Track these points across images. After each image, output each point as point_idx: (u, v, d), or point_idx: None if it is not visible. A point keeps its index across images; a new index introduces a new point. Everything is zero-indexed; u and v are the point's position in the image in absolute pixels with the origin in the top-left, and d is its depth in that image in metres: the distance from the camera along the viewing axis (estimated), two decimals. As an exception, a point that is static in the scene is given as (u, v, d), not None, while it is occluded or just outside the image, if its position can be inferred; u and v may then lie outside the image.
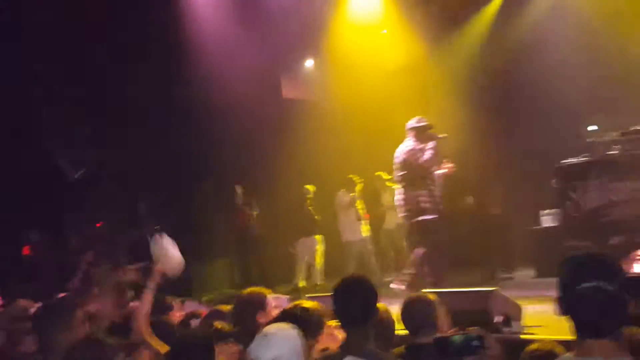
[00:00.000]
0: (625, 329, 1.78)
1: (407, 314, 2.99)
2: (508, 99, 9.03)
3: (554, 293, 1.82)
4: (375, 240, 8.85)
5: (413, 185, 6.17)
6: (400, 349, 2.89)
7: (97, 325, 3.37)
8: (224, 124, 9.03)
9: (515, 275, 7.17)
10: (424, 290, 4.24)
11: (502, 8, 9.35)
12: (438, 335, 2.18)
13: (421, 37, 9.21)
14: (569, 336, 1.82)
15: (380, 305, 2.71)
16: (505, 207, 7.44)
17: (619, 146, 6.56)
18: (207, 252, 9.07)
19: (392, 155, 6.50)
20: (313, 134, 9.36)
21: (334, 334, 2.80)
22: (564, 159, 6.88)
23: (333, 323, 2.78)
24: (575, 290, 1.73)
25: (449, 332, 2.56)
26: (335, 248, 8.83)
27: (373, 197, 8.93)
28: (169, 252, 3.70)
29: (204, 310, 4.16)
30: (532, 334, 3.98)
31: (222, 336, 2.89)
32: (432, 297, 3.08)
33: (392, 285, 6.24)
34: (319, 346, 2.77)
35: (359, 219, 8.61)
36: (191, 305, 5.14)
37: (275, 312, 3.14)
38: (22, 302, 3.70)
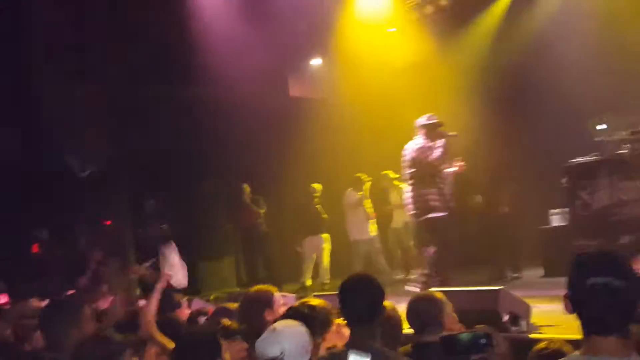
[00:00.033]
0: (634, 327, 1.77)
1: (413, 312, 2.98)
2: (517, 97, 8.98)
3: (562, 292, 1.81)
4: (382, 239, 8.84)
5: (422, 183, 6.14)
6: (407, 347, 2.88)
7: (107, 323, 3.38)
8: (231, 122, 9.04)
9: (524, 275, 7.13)
10: (431, 289, 4.24)
11: (511, 6, 9.29)
12: (445, 333, 2.17)
13: (430, 35, 9.17)
14: (577, 335, 1.81)
15: (387, 303, 2.71)
16: (514, 206, 7.40)
17: (628, 145, 6.51)
18: (213, 250, 9.09)
19: (400, 154, 6.48)
20: (320, 133, 9.35)
21: (341, 332, 2.80)
22: (573, 158, 6.84)
23: (341, 321, 2.78)
24: (584, 285, 1.72)
25: (456, 330, 2.56)
26: (342, 247, 8.82)
27: (380, 196, 8.92)
28: (174, 267, 3.72)
29: (211, 308, 4.17)
30: (540, 333, 3.96)
31: (229, 334, 2.90)
32: (439, 295, 3.07)
33: (407, 288, 6.20)
34: (326, 344, 2.77)
35: (368, 218, 8.60)
36: (198, 304, 5.15)
37: (282, 310, 3.15)
38: (34, 302, 3.73)
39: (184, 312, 4.23)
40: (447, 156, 6.22)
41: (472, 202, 7.36)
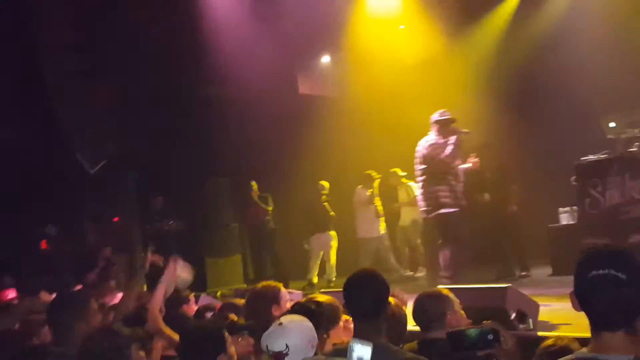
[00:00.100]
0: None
1: (420, 309, 2.98)
2: (527, 95, 8.94)
3: (570, 290, 1.80)
4: (390, 237, 8.83)
5: (433, 180, 6.13)
6: (413, 344, 2.88)
7: (115, 317, 3.40)
8: (241, 120, 9.06)
9: (532, 273, 7.10)
10: (439, 286, 4.23)
11: (521, 3, 9.25)
12: (452, 329, 2.16)
13: (440, 32, 9.13)
14: (586, 333, 1.79)
15: (392, 299, 2.70)
16: (522, 205, 7.37)
17: (639, 143, 6.46)
18: (221, 247, 9.11)
19: (410, 151, 6.46)
20: (330, 130, 9.34)
21: (349, 327, 2.80)
22: (583, 156, 6.79)
23: (349, 317, 2.78)
24: (586, 279, 1.71)
25: (462, 326, 2.55)
26: (350, 244, 8.82)
27: (389, 194, 8.91)
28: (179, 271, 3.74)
29: (218, 304, 4.18)
30: (548, 330, 3.94)
31: (236, 329, 2.91)
32: (446, 292, 3.06)
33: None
34: (333, 340, 2.77)
35: (378, 216, 8.59)
36: (206, 300, 5.17)
37: (289, 306, 3.15)
38: (44, 296, 3.75)
39: (192, 308, 4.25)
40: (459, 153, 6.20)
41: (481, 200, 7.33)
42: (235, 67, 8.56)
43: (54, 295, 3.80)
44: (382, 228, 8.65)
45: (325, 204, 8.83)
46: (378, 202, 8.62)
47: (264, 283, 3.53)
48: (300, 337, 2.31)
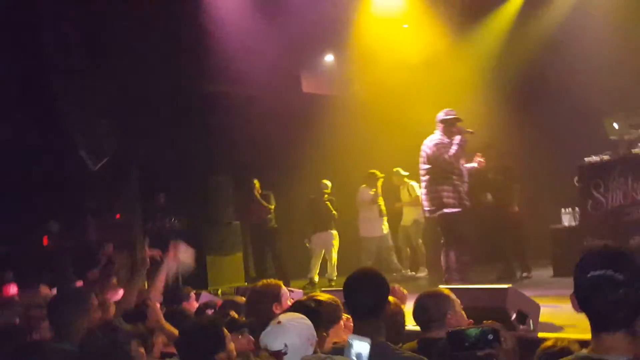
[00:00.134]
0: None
1: (420, 308, 2.97)
2: (530, 95, 8.94)
3: (571, 292, 1.79)
4: (392, 237, 8.82)
5: (437, 180, 6.13)
6: (413, 343, 2.87)
7: (116, 313, 3.41)
8: (243, 118, 9.05)
9: (533, 274, 7.09)
10: (441, 286, 4.22)
11: (525, 3, 9.23)
12: (452, 328, 2.15)
13: (444, 32, 9.13)
14: (586, 335, 1.79)
15: (391, 298, 2.70)
16: (525, 205, 7.36)
17: (642, 144, 6.45)
18: (223, 245, 9.11)
19: (413, 150, 6.46)
20: (333, 129, 9.34)
21: (350, 326, 2.79)
22: (586, 157, 6.78)
23: (350, 316, 2.78)
24: (585, 279, 1.71)
25: (462, 326, 2.55)
26: (351, 244, 8.81)
27: (391, 193, 8.90)
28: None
29: (219, 301, 4.19)
30: (548, 332, 3.94)
31: (236, 326, 2.91)
32: (446, 292, 3.06)
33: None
34: (333, 338, 2.77)
35: (381, 215, 8.58)
36: (206, 297, 5.18)
37: (289, 304, 3.15)
38: (43, 290, 3.76)
39: (192, 305, 4.25)
40: (463, 153, 6.19)
41: (483, 200, 7.32)
42: (239, 64, 8.56)
43: (53, 290, 3.81)
44: (385, 227, 8.64)
45: (328, 202, 8.83)
46: (381, 202, 8.62)
47: (265, 281, 3.53)
48: (299, 336, 2.31)
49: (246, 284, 8.37)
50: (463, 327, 2.09)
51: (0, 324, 3.49)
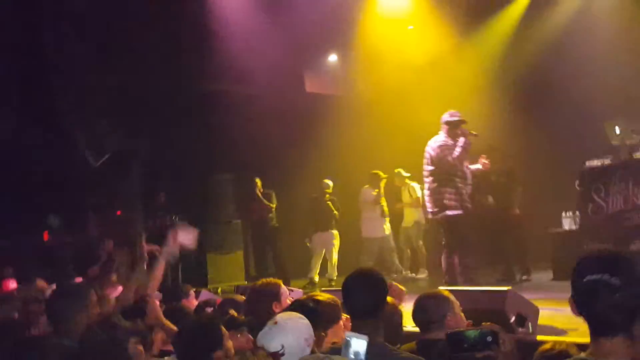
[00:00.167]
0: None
1: (420, 310, 2.98)
2: (533, 98, 8.94)
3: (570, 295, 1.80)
4: (394, 238, 8.82)
5: (441, 181, 6.13)
6: (412, 344, 2.88)
7: (115, 310, 3.41)
8: (246, 116, 9.03)
9: (533, 277, 7.10)
10: (440, 287, 4.23)
11: (530, 5, 9.24)
12: (451, 330, 2.16)
13: (448, 33, 9.13)
14: (585, 339, 1.79)
15: (389, 298, 2.70)
16: (525, 208, 7.36)
17: (643, 150, 6.46)
18: (223, 243, 9.11)
19: (415, 151, 6.47)
20: (336, 129, 9.34)
21: (349, 327, 2.79)
22: (588, 161, 6.79)
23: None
24: (581, 284, 1.71)
25: (461, 327, 2.55)
26: (353, 244, 8.81)
27: (393, 194, 8.90)
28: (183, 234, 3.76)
29: (218, 299, 4.19)
30: (547, 335, 3.94)
31: (235, 325, 2.91)
32: (446, 293, 3.06)
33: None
34: (333, 338, 2.77)
35: (384, 216, 8.58)
36: (206, 295, 5.18)
37: (289, 303, 3.15)
38: (40, 283, 3.76)
39: (192, 303, 4.26)
40: (466, 155, 6.19)
41: (485, 203, 7.32)
42: (242, 63, 8.56)
43: (50, 283, 3.81)
44: (387, 228, 8.64)
45: (329, 202, 8.83)
46: (384, 202, 8.62)
47: (265, 280, 3.54)
48: (296, 336, 2.31)
49: (246, 282, 8.38)
50: (462, 329, 2.10)
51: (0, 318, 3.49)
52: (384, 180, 8.63)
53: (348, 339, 2.13)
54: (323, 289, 5.78)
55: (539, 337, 3.87)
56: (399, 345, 2.82)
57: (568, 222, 7.18)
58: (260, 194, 8.99)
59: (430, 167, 6.21)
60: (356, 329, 2.50)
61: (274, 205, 9.04)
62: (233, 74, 8.87)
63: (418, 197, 8.59)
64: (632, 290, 1.66)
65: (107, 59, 8.15)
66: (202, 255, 8.70)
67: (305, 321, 2.41)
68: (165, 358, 2.65)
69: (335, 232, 8.81)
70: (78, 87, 8.26)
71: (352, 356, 2.11)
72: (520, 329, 3.98)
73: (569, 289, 1.82)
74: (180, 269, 8.25)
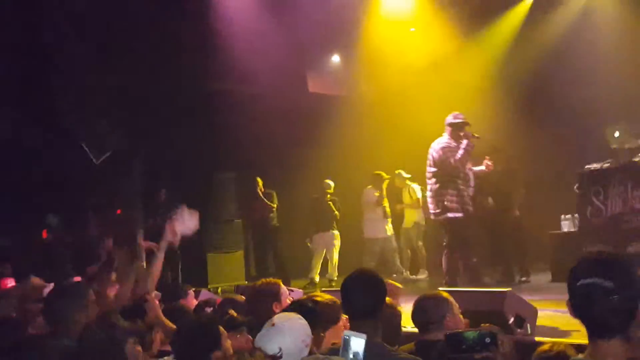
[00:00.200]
0: (638, 332, 1.75)
1: (419, 310, 2.99)
2: (534, 101, 8.95)
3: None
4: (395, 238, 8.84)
5: (443, 183, 6.15)
6: (410, 345, 2.88)
7: (114, 308, 3.41)
8: (249, 115, 9.01)
9: (532, 279, 7.11)
10: (440, 288, 4.24)
11: (532, 9, 9.26)
12: (450, 331, 2.17)
13: (451, 35, 9.15)
14: (583, 340, 1.80)
15: (387, 299, 2.71)
16: (525, 210, 7.38)
17: (643, 154, 6.47)
18: (224, 243, 9.11)
19: (417, 153, 6.49)
20: (339, 129, 9.34)
21: (349, 328, 2.79)
22: (588, 164, 6.81)
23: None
24: (575, 287, 1.73)
25: (460, 328, 2.56)
26: (354, 244, 8.81)
27: (394, 195, 8.90)
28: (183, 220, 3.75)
29: (218, 299, 4.19)
30: (546, 336, 3.95)
31: (235, 325, 2.91)
32: (445, 295, 3.07)
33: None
34: (332, 339, 2.78)
35: (386, 217, 8.59)
36: (206, 295, 5.18)
37: (289, 303, 3.15)
38: (35, 280, 3.75)
39: (191, 302, 4.26)
40: (469, 158, 6.20)
41: (485, 204, 7.33)
42: (246, 62, 8.55)
43: (48, 282, 3.80)
44: (389, 229, 8.64)
45: (330, 202, 8.84)
46: (386, 203, 8.63)
47: (265, 280, 3.55)
48: (294, 338, 2.30)
49: (247, 282, 8.38)
50: (461, 330, 2.11)
51: (-2, 316, 3.49)
52: (387, 182, 8.63)
53: (347, 337, 2.13)
54: (323, 289, 5.78)
55: (538, 338, 3.88)
56: (397, 346, 2.82)
57: (567, 225, 7.20)
58: (261, 194, 8.98)
59: (433, 169, 6.23)
60: (355, 329, 2.50)
61: (275, 205, 9.03)
62: (236, 74, 8.86)
63: (418, 199, 8.60)
64: (627, 293, 1.67)
65: (108, 58, 8.14)
66: (202, 254, 8.70)
67: (304, 322, 2.41)
68: (164, 358, 2.65)
69: (336, 232, 8.81)
70: (78, 87, 8.26)
71: (351, 355, 2.12)
72: (518, 330, 3.99)
73: (567, 291, 1.83)
74: (180, 268, 8.26)
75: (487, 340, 1.98)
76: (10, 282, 5.55)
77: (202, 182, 9.35)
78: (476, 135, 6.21)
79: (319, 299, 2.89)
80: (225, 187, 9.40)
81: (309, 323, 2.45)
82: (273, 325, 2.34)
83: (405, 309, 3.38)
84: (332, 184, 8.94)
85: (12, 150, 7.85)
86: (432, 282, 7.77)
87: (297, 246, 9.14)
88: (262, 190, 9.00)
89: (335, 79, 10.59)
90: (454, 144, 6.15)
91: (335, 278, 8.52)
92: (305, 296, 3.18)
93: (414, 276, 8.72)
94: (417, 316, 3.00)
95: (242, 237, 9.31)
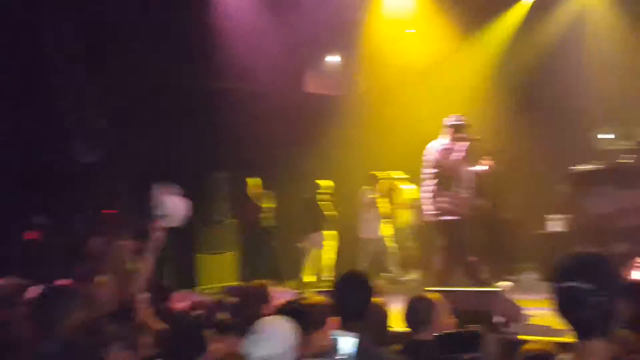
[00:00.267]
0: (621, 332, 1.78)
1: (409, 311, 3.01)
2: (526, 103, 9.01)
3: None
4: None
5: (440, 185, 6.13)
6: (400, 345, 2.90)
7: (101, 312, 3.39)
8: (245, 115, 8.94)
9: (521, 278, 7.16)
10: (428, 288, 4.26)
11: (529, 13, 9.34)
12: (439, 332, 2.19)
13: (451, 36, 9.20)
14: (569, 339, 1.82)
15: (376, 300, 2.73)
16: (517, 211, 7.43)
17: (632, 155, 6.54)
18: (215, 243, 9.06)
19: (411, 153, 6.48)
20: (334, 129, 9.31)
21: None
22: (575, 165, 6.88)
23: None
24: (555, 290, 1.74)
25: (449, 329, 2.58)
26: (348, 244, 8.81)
27: (387, 195, 8.91)
28: (169, 208, 3.66)
29: (208, 302, 4.19)
30: (531, 335, 3.98)
31: (223, 328, 2.91)
32: (434, 295, 3.09)
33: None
34: (322, 341, 2.78)
35: (381, 218, 8.61)
36: (196, 297, 5.17)
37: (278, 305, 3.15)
38: (12, 281, 3.69)
39: (181, 305, 4.25)
40: (466, 160, 6.19)
41: (477, 204, 7.36)
42: (244, 61, 8.51)
43: (36, 284, 3.75)
44: (384, 229, 8.65)
45: (322, 203, 8.84)
46: (381, 203, 8.65)
47: (254, 282, 3.55)
48: (281, 343, 2.29)
49: (237, 283, 8.35)
50: (450, 331, 2.13)
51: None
52: (382, 182, 8.65)
53: (337, 338, 2.14)
54: (315, 290, 5.79)
55: (524, 337, 3.91)
56: (387, 347, 2.84)
57: (554, 225, 7.24)
58: (252, 194, 8.91)
59: (430, 170, 6.21)
60: (346, 330, 2.52)
61: (273, 205, 8.94)
62: (233, 73, 8.80)
63: (410, 199, 8.63)
64: (608, 294, 1.68)
65: (106, 55, 8.05)
66: (192, 255, 8.66)
67: (290, 326, 2.40)
68: (150, 361, 2.64)
69: (328, 232, 8.82)
70: (70, 86, 8.18)
71: (341, 355, 2.13)
72: (505, 329, 4.02)
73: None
74: (169, 270, 8.21)
75: (475, 340, 2.01)
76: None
77: (194, 182, 9.27)
78: (476, 137, 6.20)
79: (307, 300, 2.90)
80: (218, 186, 9.35)
81: (297, 325, 2.45)
82: (259, 332, 2.34)
83: (395, 310, 3.39)
84: (323, 184, 8.94)
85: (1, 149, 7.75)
86: (423, 282, 7.78)
87: (292, 246, 9.11)
88: (260, 190, 8.91)
89: (333, 79, 10.58)
90: (452, 145, 6.14)
91: (326, 278, 8.52)
92: (295, 297, 3.19)
93: (404, 276, 8.74)
94: (406, 316, 3.03)
95: (235, 237, 9.26)
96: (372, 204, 8.52)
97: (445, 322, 2.94)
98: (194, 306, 3.99)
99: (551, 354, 2.14)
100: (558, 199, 7.08)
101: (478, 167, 6.38)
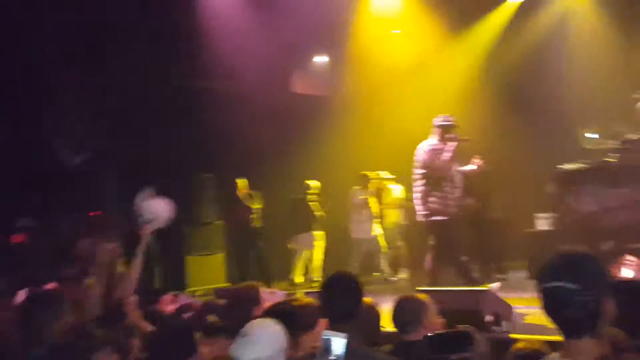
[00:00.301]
0: (609, 331, 1.79)
1: (398, 311, 3.01)
2: (513, 103, 9.07)
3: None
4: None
5: (428, 185, 6.15)
6: (389, 346, 2.90)
7: (88, 315, 3.36)
8: (229, 115, 8.92)
9: (511, 276, 7.20)
10: (417, 288, 4.27)
11: (513, 16, 9.41)
12: (428, 332, 2.19)
13: (437, 37, 9.23)
14: (558, 337, 1.83)
15: (366, 299, 2.73)
16: (505, 211, 7.47)
17: (617, 154, 6.60)
18: (203, 245, 9.03)
19: (400, 153, 6.50)
20: (322, 129, 9.32)
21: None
22: (561, 164, 6.93)
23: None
24: (540, 290, 1.75)
25: (438, 329, 2.59)
26: (339, 245, 8.81)
27: (376, 195, 8.93)
28: (154, 211, 3.65)
29: (197, 304, 4.17)
30: (522, 333, 4.01)
31: (213, 330, 2.90)
32: (423, 296, 3.10)
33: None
34: (312, 342, 2.78)
35: (372, 217, 8.62)
36: (185, 299, 5.13)
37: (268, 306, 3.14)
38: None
39: (170, 307, 4.23)
40: (455, 160, 6.22)
41: (466, 204, 7.40)
42: (230, 61, 8.47)
43: (21, 288, 3.71)
44: (375, 229, 8.66)
45: (311, 203, 8.83)
46: (372, 204, 8.66)
47: (245, 283, 3.54)
48: (270, 347, 2.29)
49: (227, 285, 8.32)
50: (439, 331, 2.14)
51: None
52: (373, 182, 8.66)
53: (326, 338, 2.14)
54: (305, 290, 5.79)
55: (514, 336, 3.94)
56: (376, 348, 2.84)
57: (542, 223, 7.30)
58: (240, 195, 8.89)
59: (419, 171, 6.23)
60: (335, 331, 2.51)
61: (260, 206, 8.93)
62: (219, 72, 8.76)
63: (399, 199, 8.65)
64: (594, 293, 1.69)
65: (90, 55, 7.98)
66: (181, 257, 8.62)
67: (279, 328, 2.39)
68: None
69: (318, 233, 8.81)
70: (54, 87, 8.10)
71: (331, 356, 2.12)
72: (495, 328, 4.04)
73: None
74: (158, 272, 8.16)
75: (464, 340, 2.02)
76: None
77: (181, 183, 9.23)
78: (465, 137, 6.23)
79: (297, 302, 2.89)
80: (206, 187, 9.30)
81: (287, 327, 2.44)
82: (247, 335, 2.32)
83: (385, 309, 3.40)
84: (312, 184, 8.94)
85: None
86: (412, 282, 7.81)
87: (281, 247, 9.10)
88: (246, 191, 8.90)
89: (321, 79, 10.58)
90: (441, 145, 6.16)
91: (317, 279, 8.52)
92: (284, 299, 3.18)
93: (393, 276, 8.76)
94: (396, 317, 3.03)
95: (224, 238, 9.22)
96: (364, 204, 8.53)
97: (434, 322, 2.95)
98: (183, 308, 3.97)
99: (541, 353, 2.16)
100: (546, 198, 7.13)
101: (467, 167, 6.40)
